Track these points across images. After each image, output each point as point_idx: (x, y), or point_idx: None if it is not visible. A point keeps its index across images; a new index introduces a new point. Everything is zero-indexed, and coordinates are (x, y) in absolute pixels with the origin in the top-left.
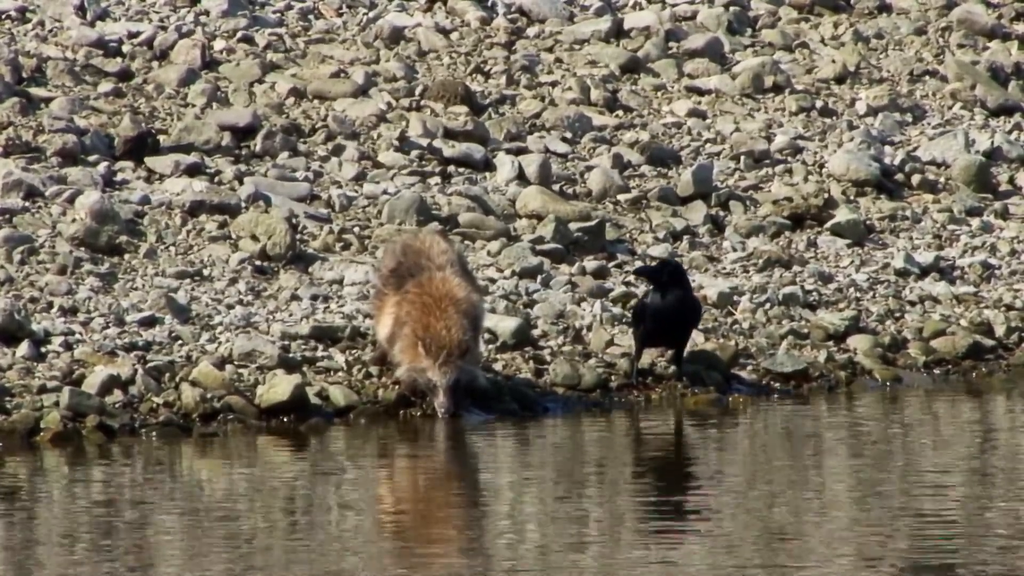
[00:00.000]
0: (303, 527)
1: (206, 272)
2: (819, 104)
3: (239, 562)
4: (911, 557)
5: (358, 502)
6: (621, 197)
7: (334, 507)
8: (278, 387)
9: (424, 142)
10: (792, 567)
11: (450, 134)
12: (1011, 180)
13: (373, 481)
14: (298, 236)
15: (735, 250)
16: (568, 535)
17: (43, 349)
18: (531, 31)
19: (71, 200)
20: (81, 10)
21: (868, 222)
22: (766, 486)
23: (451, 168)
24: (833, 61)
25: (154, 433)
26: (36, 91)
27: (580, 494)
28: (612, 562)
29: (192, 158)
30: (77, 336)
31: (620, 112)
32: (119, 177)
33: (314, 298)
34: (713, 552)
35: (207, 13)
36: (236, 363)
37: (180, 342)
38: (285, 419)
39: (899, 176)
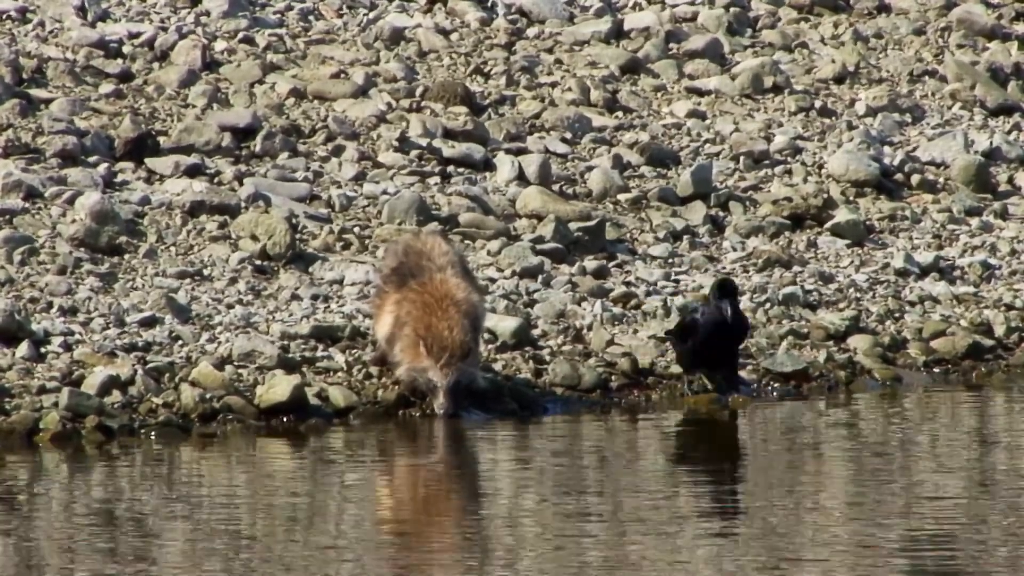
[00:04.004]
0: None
1: (206, 272)
2: (818, 104)
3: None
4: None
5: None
6: (621, 197)
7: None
8: (277, 387)
9: (424, 142)
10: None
11: (450, 134)
12: (1010, 180)
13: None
14: (298, 236)
15: (735, 250)
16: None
17: (43, 350)
18: (531, 32)
19: (71, 201)
20: (81, 11)
21: (868, 222)
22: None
23: (451, 168)
24: (832, 61)
25: (153, 433)
26: (36, 92)
27: (582, 493)
28: (613, 561)
29: (192, 159)
30: (77, 336)
31: (620, 113)
32: (119, 178)
33: (314, 298)
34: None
35: (208, 14)
36: (236, 363)
37: (180, 342)
38: (284, 419)
39: (898, 176)
